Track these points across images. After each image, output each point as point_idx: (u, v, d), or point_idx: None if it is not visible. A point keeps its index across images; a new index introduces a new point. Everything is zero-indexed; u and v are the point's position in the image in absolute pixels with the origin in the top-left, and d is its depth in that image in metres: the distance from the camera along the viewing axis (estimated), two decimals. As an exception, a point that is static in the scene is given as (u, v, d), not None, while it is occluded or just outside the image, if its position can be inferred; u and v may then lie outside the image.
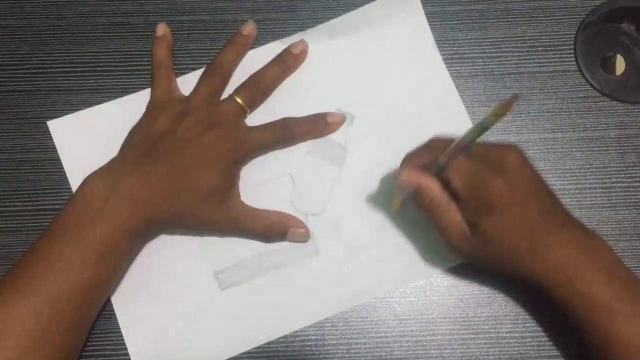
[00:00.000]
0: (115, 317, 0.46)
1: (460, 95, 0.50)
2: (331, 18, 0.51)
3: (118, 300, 0.46)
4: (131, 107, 0.48)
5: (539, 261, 0.39)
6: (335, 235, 0.47)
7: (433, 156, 0.40)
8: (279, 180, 0.48)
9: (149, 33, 0.51)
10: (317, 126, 0.48)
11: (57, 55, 0.51)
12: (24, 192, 0.48)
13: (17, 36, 0.51)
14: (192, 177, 0.43)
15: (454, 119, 0.49)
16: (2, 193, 0.48)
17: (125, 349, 0.45)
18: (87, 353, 0.45)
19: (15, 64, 0.51)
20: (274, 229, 0.46)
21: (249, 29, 0.50)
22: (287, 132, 0.47)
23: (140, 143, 0.45)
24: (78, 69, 0.51)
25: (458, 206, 0.40)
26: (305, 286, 0.46)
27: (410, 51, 0.50)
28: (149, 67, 0.50)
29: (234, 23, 0.51)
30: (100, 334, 0.46)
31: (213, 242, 0.47)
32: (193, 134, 0.44)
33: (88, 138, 0.49)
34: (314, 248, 0.47)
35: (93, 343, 0.45)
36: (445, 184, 0.40)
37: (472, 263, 0.44)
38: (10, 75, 0.51)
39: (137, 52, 0.51)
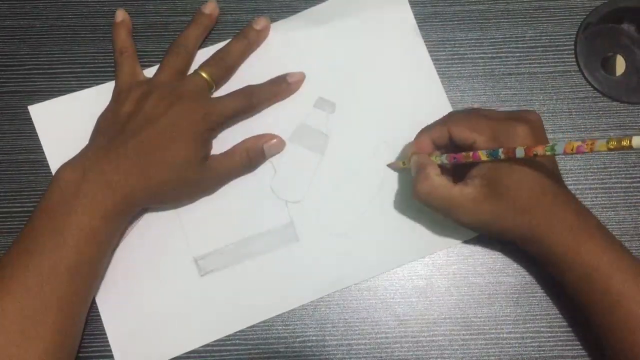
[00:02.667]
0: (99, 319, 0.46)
1: (461, 96, 0.50)
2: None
3: (99, 293, 0.46)
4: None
5: (546, 217, 0.40)
6: (316, 222, 0.48)
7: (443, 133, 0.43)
8: (260, 168, 0.49)
9: (149, 33, 0.51)
10: (279, 88, 0.49)
11: (57, 56, 0.51)
12: (24, 193, 0.48)
13: (17, 37, 0.51)
14: (165, 152, 0.44)
15: (435, 106, 0.49)
16: (3, 194, 0.48)
17: (110, 350, 0.45)
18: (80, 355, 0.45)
19: (15, 65, 0.51)
20: (251, 153, 0.47)
21: (210, 8, 0.50)
22: (252, 97, 0.48)
23: (108, 128, 0.45)
24: (78, 70, 0.51)
25: (475, 169, 0.41)
26: (285, 272, 0.47)
27: (393, 39, 0.51)
28: (149, 67, 0.50)
29: (234, 23, 0.51)
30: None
31: (193, 228, 0.47)
32: (159, 110, 0.45)
33: (69, 123, 0.49)
34: (294, 235, 0.47)
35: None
36: (465, 144, 0.42)
37: (476, 225, 0.43)
38: (10, 76, 0.50)
39: (136, 53, 0.50)
